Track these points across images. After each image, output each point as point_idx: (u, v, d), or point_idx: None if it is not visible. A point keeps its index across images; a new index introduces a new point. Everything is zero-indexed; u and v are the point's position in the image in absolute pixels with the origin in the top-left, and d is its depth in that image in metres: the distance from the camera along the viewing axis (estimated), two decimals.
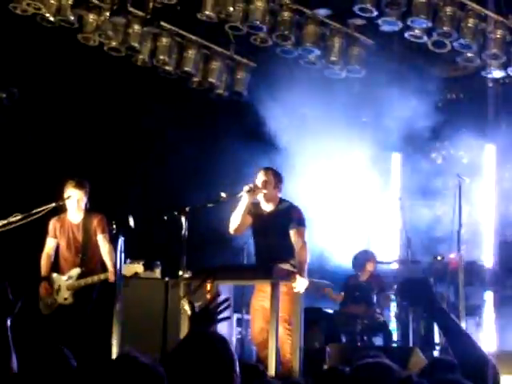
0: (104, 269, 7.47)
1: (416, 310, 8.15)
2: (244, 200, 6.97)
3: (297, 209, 7.19)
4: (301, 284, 6.76)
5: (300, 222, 7.10)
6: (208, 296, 6.33)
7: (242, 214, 7.01)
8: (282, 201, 7.20)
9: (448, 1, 7.72)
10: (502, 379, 3.16)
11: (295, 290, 6.74)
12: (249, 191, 6.95)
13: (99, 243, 7.53)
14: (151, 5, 8.29)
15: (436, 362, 3.76)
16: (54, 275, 7.58)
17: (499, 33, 7.87)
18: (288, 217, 7.08)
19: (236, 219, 7.06)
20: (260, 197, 7.08)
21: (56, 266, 7.63)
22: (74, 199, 7.46)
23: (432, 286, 3.77)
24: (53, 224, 7.62)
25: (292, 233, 7.01)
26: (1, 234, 7.21)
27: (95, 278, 7.40)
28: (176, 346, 2.23)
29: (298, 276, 6.75)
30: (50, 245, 7.65)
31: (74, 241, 7.56)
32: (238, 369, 2.10)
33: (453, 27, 7.82)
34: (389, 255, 10.18)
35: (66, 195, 7.47)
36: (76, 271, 7.48)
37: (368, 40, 8.94)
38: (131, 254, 7.34)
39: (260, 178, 7.10)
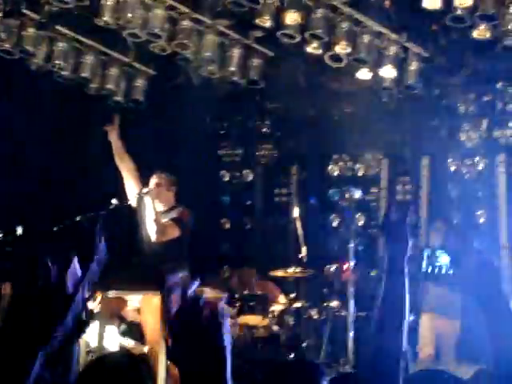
0: None
1: None
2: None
3: (182, 211, 7.10)
4: None
5: (180, 221, 6.95)
6: None
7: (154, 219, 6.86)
8: (174, 206, 7.16)
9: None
10: None
11: None
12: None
13: None
14: (46, 8, 8.10)
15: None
16: None
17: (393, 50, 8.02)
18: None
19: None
20: (148, 200, 6.94)
21: None
22: None
23: None
24: None
25: None
26: None
27: None
28: None
29: None
30: None
31: None
32: None
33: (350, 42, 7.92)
34: None
35: None
36: None
37: (268, 52, 8.94)
38: None
39: (153, 181, 7.14)
